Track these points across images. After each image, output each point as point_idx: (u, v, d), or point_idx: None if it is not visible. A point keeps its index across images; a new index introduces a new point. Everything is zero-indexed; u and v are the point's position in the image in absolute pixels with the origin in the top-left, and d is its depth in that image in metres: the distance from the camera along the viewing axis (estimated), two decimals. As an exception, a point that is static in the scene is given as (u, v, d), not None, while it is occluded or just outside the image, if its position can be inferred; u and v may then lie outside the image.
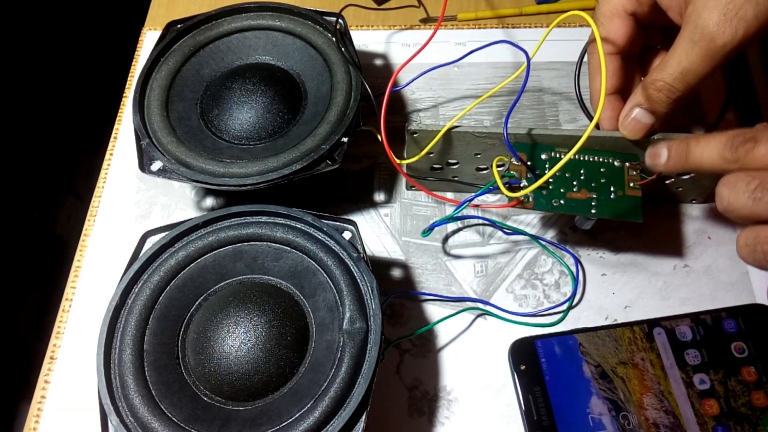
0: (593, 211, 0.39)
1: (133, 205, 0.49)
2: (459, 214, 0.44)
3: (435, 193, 0.44)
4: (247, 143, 0.44)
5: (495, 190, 0.40)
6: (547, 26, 0.56)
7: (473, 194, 0.40)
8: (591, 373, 0.39)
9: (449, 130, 0.41)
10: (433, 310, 0.43)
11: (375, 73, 0.54)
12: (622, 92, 0.41)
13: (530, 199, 0.39)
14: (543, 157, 0.40)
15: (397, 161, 0.38)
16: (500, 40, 0.44)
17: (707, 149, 0.32)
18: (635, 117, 0.37)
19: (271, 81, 0.46)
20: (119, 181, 0.50)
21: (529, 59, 0.38)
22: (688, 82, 0.35)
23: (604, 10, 0.38)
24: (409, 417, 0.40)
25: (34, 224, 0.91)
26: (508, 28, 0.56)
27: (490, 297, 0.44)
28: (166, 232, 0.39)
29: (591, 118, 0.44)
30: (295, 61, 0.48)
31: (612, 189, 0.39)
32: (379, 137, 0.39)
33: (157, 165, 0.41)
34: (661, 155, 0.35)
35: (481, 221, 0.46)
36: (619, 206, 0.39)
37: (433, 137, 0.41)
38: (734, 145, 0.31)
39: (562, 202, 0.39)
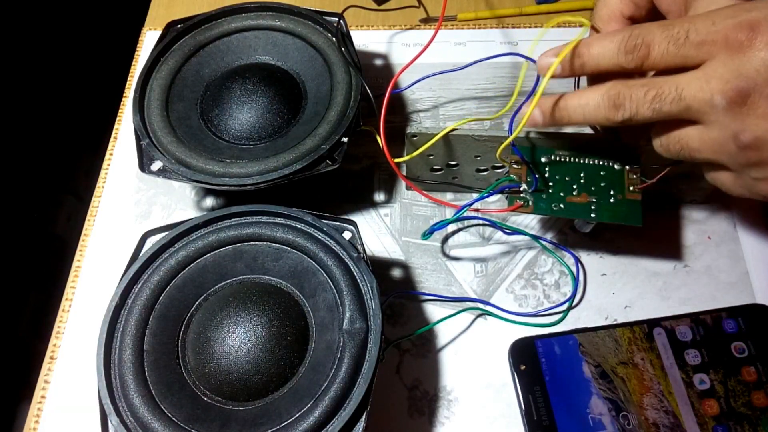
0: (593, 215, 0.39)
1: (133, 205, 0.49)
2: (459, 217, 0.44)
3: (433, 196, 0.44)
4: (247, 143, 0.44)
5: (495, 193, 0.40)
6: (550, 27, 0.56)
7: (473, 199, 0.40)
8: (591, 373, 0.39)
9: (448, 133, 0.41)
10: (433, 310, 0.43)
11: (375, 73, 0.54)
12: None
13: (530, 204, 0.39)
14: (543, 160, 0.40)
15: (394, 160, 0.38)
16: (509, 52, 0.44)
17: (602, 50, 0.32)
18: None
19: (271, 81, 0.46)
20: (119, 181, 0.50)
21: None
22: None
23: (601, 14, 0.38)
24: (409, 417, 0.40)
25: (34, 224, 0.91)
26: (507, 28, 0.56)
27: (490, 297, 0.44)
28: (166, 232, 0.39)
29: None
30: (295, 61, 0.48)
31: (612, 193, 0.39)
32: (379, 139, 0.39)
33: (157, 165, 0.41)
34: (550, 66, 0.34)
35: (480, 221, 0.46)
36: (619, 210, 0.39)
37: (433, 140, 0.41)
38: (627, 50, 0.31)
39: (561, 206, 0.39)
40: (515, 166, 0.40)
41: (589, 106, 0.33)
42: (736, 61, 0.29)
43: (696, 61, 0.30)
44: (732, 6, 0.30)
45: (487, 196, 0.40)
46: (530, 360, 0.40)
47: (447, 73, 0.47)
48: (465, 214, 0.41)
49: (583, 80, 0.43)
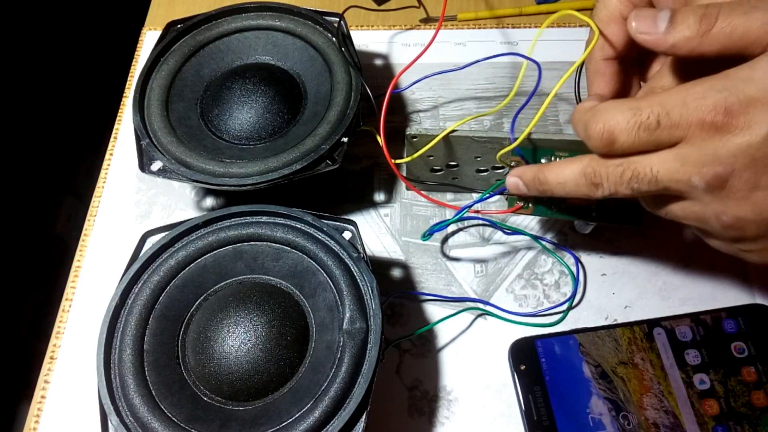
0: (593, 215, 0.39)
1: (133, 205, 0.49)
2: (459, 218, 0.44)
3: (433, 197, 0.44)
4: (247, 143, 0.44)
5: (495, 195, 0.40)
6: (547, 26, 0.56)
7: (473, 201, 0.40)
8: (591, 373, 0.39)
9: (448, 134, 0.41)
10: (433, 310, 0.43)
11: (375, 74, 0.54)
12: (621, 97, 0.41)
13: (530, 205, 0.39)
14: (543, 161, 0.40)
15: (394, 161, 0.38)
16: (508, 52, 0.44)
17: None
18: (515, 182, 0.37)
19: (271, 81, 0.46)
20: (119, 181, 0.50)
21: (540, 69, 0.38)
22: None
23: (601, 15, 0.38)
24: (409, 417, 0.40)
25: (34, 224, 0.91)
26: (507, 28, 0.56)
27: (490, 297, 0.44)
28: (166, 232, 0.39)
29: None
30: (295, 61, 0.48)
31: None
32: (379, 139, 0.39)
33: (157, 165, 0.41)
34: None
35: (481, 221, 0.46)
36: (619, 211, 0.39)
37: (433, 142, 0.41)
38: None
39: (562, 207, 0.39)
40: (515, 166, 0.40)
41: (568, 184, 0.33)
42: (711, 144, 0.28)
43: (669, 143, 0.29)
44: (703, 82, 0.28)
45: (488, 198, 0.40)
46: (530, 360, 0.40)
47: (447, 73, 0.47)
48: (465, 215, 0.41)
49: (583, 80, 0.43)
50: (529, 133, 0.40)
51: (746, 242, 0.30)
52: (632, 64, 0.41)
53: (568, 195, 0.34)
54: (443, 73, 0.47)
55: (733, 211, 0.29)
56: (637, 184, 0.30)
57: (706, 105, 0.27)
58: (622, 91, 0.41)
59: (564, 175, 0.33)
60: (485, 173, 0.45)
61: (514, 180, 0.37)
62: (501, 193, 0.40)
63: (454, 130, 0.41)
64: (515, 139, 0.38)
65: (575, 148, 0.40)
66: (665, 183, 0.29)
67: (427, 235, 0.42)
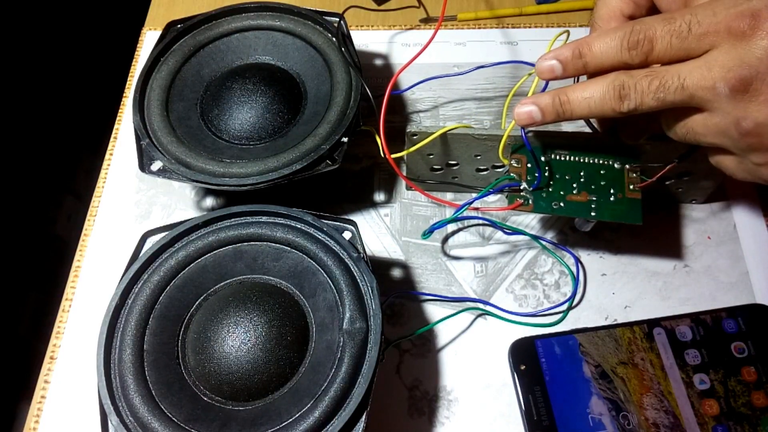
0: (593, 213, 0.39)
1: (133, 205, 0.49)
2: (459, 215, 0.44)
3: (433, 195, 0.44)
4: (247, 143, 0.44)
5: (495, 192, 0.40)
6: (547, 26, 0.56)
7: (474, 197, 0.40)
8: (591, 373, 0.39)
9: (448, 132, 0.41)
10: (433, 310, 0.43)
11: (375, 74, 0.54)
12: None
13: (530, 202, 0.39)
14: (543, 158, 0.40)
15: (392, 155, 0.38)
16: (516, 60, 0.44)
17: (605, 47, 0.33)
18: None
19: (271, 81, 0.46)
20: (119, 181, 0.50)
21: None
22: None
23: (601, 13, 0.38)
24: (409, 417, 0.40)
25: (34, 224, 0.91)
26: (507, 28, 0.56)
27: (490, 297, 0.44)
28: (166, 232, 0.39)
29: (588, 123, 0.44)
30: (295, 61, 0.48)
31: (612, 191, 0.39)
32: (378, 139, 0.39)
33: (157, 165, 0.41)
34: (554, 68, 0.35)
35: (481, 221, 0.46)
36: (619, 209, 0.39)
37: (432, 136, 0.41)
38: (630, 45, 0.32)
39: (562, 204, 0.39)
40: (515, 164, 0.40)
41: (594, 98, 0.33)
42: (739, 49, 0.29)
43: (699, 51, 0.30)
44: None
45: (487, 195, 0.40)
46: (530, 360, 0.40)
47: (454, 76, 0.47)
48: (465, 214, 0.41)
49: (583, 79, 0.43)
50: (529, 131, 0.40)
51: (762, 153, 0.31)
52: None
53: (591, 113, 0.34)
54: (445, 77, 0.47)
55: (754, 115, 0.30)
56: (663, 93, 0.31)
57: (734, 12, 0.29)
58: None
59: (590, 90, 0.33)
60: (485, 172, 0.45)
61: (527, 109, 0.35)
62: (501, 191, 0.40)
63: (454, 128, 0.41)
64: (509, 137, 0.38)
65: (575, 145, 0.40)
66: (691, 90, 0.30)
67: (428, 233, 0.42)
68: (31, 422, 0.41)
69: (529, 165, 0.40)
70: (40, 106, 0.94)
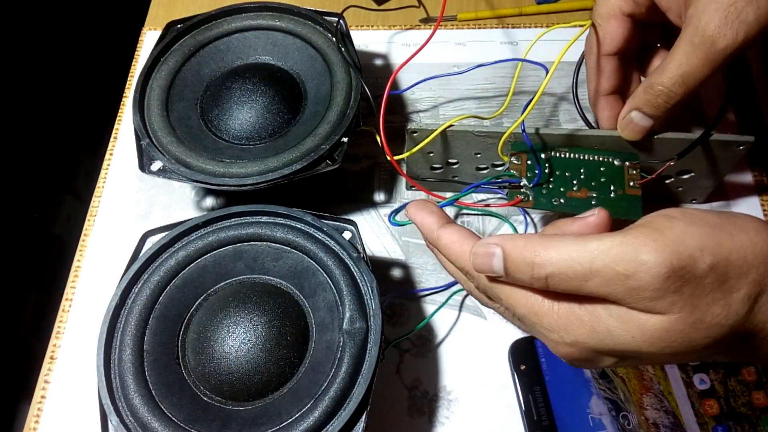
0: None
1: (133, 205, 0.49)
2: (459, 215, 0.44)
3: (434, 193, 0.44)
4: (247, 143, 0.44)
5: (494, 187, 0.40)
6: (547, 26, 0.56)
7: (474, 183, 0.40)
8: (591, 373, 0.39)
9: (449, 129, 0.41)
10: (433, 310, 0.43)
11: (375, 73, 0.54)
12: (621, 92, 0.41)
13: (530, 198, 0.39)
14: (543, 155, 0.40)
15: (394, 157, 0.38)
16: (516, 58, 0.44)
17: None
18: (633, 119, 0.37)
19: (271, 81, 0.46)
20: (119, 181, 0.50)
21: (547, 71, 0.38)
22: (688, 86, 0.35)
23: (601, 11, 0.38)
24: (409, 417, 0.40)
25: (34, 224, 0.91)
26: (507, 28, 0.56)
27: (490, 297, 0.44)
28: (166, 232, 0.39)
29: (587, 121, 0.45)
30: (295, 61, 0.48)
31: (612, 188, 0.39)
32: (378, 139, 0.39)
33: (157, 165, 0.41)
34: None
35: (483, 213, 0.46)
36: (619, 205, 0.39)
37: (434, 133, 0.41)
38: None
39: (562, 200, 0.39)
40: (515, 161, 0.40)
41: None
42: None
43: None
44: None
45: (486, 184, 0.40)
46: (530, 360, 0.40)
47: (454, 75, 0.46)
48: (465, 213, 0.41)
49: (583, 76, 0.43)
50: (536, 129, 0.40)
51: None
52: (632, 59, 0.41)
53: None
54: (444, 76, 0.47)
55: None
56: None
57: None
58: (622, 86, 0.41)
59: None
60: (485, 170, 0.45)
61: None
62: (501, 187, 0.40)
63: (452, 125, 0.41)
64: (509, 135, 0.38)
65: (575, 142, 0.40)
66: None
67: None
68: (31, 422, 0.41)
69: (529, 162, 0.40)
70: (40, 105, 0.94)
